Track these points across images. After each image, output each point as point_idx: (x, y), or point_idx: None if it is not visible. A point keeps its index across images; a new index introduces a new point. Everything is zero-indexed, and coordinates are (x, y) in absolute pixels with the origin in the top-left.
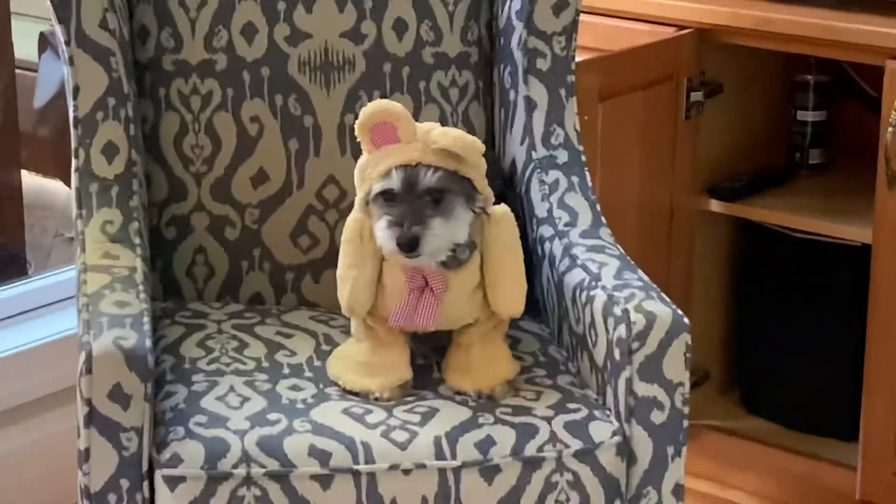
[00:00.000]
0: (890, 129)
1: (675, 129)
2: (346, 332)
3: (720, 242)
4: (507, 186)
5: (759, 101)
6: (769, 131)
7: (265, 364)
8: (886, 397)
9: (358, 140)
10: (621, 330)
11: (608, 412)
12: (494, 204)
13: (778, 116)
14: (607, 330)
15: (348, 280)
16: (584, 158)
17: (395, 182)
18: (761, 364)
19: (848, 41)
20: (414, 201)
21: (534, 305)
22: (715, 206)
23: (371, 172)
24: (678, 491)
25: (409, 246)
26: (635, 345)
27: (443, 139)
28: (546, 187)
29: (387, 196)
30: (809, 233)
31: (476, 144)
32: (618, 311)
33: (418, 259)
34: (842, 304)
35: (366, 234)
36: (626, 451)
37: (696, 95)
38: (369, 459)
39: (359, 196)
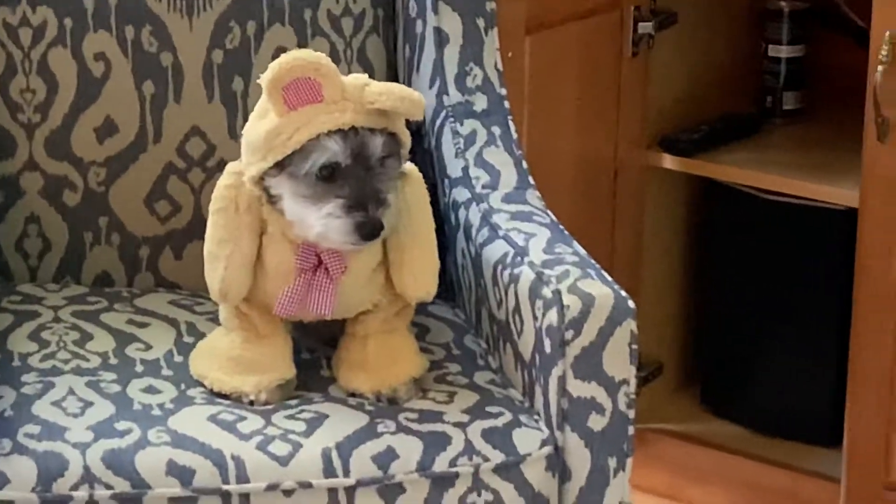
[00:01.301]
0: (880, 67)
1: (619, 69)
2: (215, 319)
3: (675, 206)
4: (414, 140)
5: (723, 34)
6: (734, 71)
7: (113, 360)
8: (876, 395)
9: (267, 99)
10: (552, 316)
11: (536, 417)
12: None
13: (745, 53)
14: (535, 316)
15: (221, 259)
16: (507, 105)
17: (339, 153)
18: (726, 356)
19: None
20: (367, 176)
21: (446, 286)
22: (669, 161)
23: (290, 139)
24: None
25: (374, 234)
26: (569, 334)
27: (385, 99)
28: (461, 140)
29: (327, 172)
30: (784, 194)
31: (421, 100)
32: (548, 292)
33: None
34: (822, 282)
35: (242, 203)
36: (557, 464)
37: (646, 27)
38: (242, 478)
39: (258, 166)
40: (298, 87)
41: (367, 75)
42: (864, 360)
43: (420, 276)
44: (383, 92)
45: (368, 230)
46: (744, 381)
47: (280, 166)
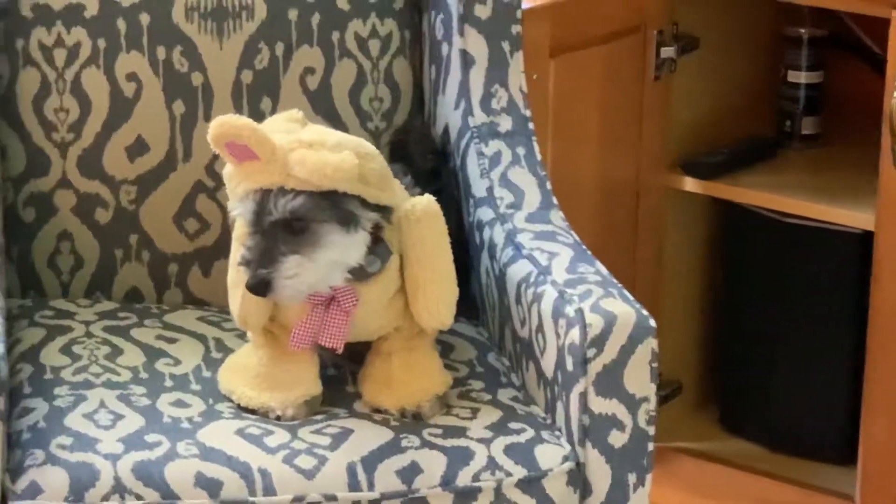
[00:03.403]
0: None
1: (641, 92)
2: (242, 336)
3: (695, 228)
4: (440, 160)
5: (743, 60)
6: (754, 95)
7: (143, 375)
8: (890, 414)
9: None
10: (574, 334)
11: (558, 433)
12: (427, 183)
13: (765, 78)
14: (558, 334)
15: (241, 287)
16: (531, 126)
17: (247, 210)
18: (743, 375)
19: None
20: (264, 236)
21: (470, 304)
22: (689, 184)
23: (236, 188)
24: None
25: (259, 291)
26: (591, 352)
27: (299, 169)
28: (486, 161)
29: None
30: (801, 217)
31: (342, 170)
32: (570, 311)
33: (281, 298)
34: (839, 303)
35: None
36: (579, 479)
37: (668, 51)
38: (269, 490)
39: (230, 204)
40: (235, 147)
41: (320, 131)
42: (878, 380)
43: (434, 308)
44: (301, 162)
45: (249, 285)
46: (761, 401)
47: None
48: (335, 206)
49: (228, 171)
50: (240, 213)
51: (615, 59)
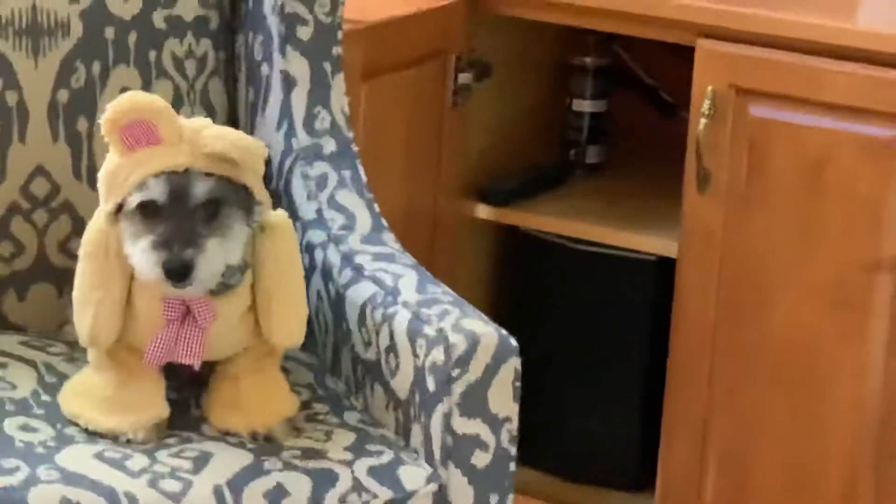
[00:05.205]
0: (703, 119)
1: (441, 118)
2: (70, 360)
3: (489, 258)
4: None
5: (532, 87)
6: (544, 123)
7: None
8: (689, 439)
9: (105, 139)
10: (437, 354)
11: (415, 455)
12: None
13: (553, 106)
14: (416, 354)
15: (91, 304)
16: (355, 148)
17: (157, 192)
18: (535, 405)
19: (647, 13)
20: (184, 217)
21: None
22: (482, 211)
23: (126, 180)
24: None
25: (180, 274)
26: (456, 372)
27: (218, 143)
28: (312, 183)
29: (147, 210)
30: (591, 243)
31: (259, 149)
32: (430, 331)
33: (189, 289)
34: (631, 330)
35: (112, 247)
36: (442, 501)
37: (465, 77)
38: None
39: (106, 207)
40: (135, 129)
41: (209, 119)
42: (679, 404)
43: (286, 323)
44: (214, 136)
45: (170, 268)
46: (555, 432)
47: (121, 207)
48: (237, 190)
49: (113, 166)
50: (144, 196)
51: (420, 84)
